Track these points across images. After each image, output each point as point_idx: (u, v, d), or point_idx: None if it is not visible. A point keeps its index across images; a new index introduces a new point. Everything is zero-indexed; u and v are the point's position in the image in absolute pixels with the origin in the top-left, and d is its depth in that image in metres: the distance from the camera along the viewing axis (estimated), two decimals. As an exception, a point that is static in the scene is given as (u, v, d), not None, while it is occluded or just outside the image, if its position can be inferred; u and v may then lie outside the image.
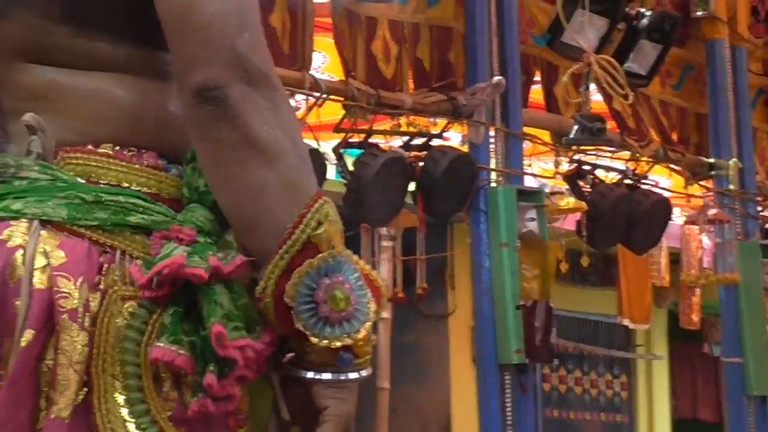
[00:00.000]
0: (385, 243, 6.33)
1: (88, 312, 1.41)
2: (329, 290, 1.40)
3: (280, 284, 1.41)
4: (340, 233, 1.45)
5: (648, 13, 5.79)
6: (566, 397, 10.44)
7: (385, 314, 6.53)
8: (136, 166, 1.51)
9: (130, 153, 1.52)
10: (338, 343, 1.42)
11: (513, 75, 5.58)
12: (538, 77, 5.87)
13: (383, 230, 6.26)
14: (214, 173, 1.46)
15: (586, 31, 5.43)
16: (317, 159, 4.83)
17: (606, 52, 5.60)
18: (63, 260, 1.42)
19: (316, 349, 1.43)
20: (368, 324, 1.43)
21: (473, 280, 5.64)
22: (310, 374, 1.45)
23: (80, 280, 1.41)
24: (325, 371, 1.41)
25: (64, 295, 1.40)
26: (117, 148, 1.50)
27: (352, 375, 1.46)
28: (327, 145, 5.22)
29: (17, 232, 1.43)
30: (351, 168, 5.12)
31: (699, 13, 6.33)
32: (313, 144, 4.86)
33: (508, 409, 5.14)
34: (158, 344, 1.39)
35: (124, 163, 1.50)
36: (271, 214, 1.43)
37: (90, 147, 1.50)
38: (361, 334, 1.43)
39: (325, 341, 1.41)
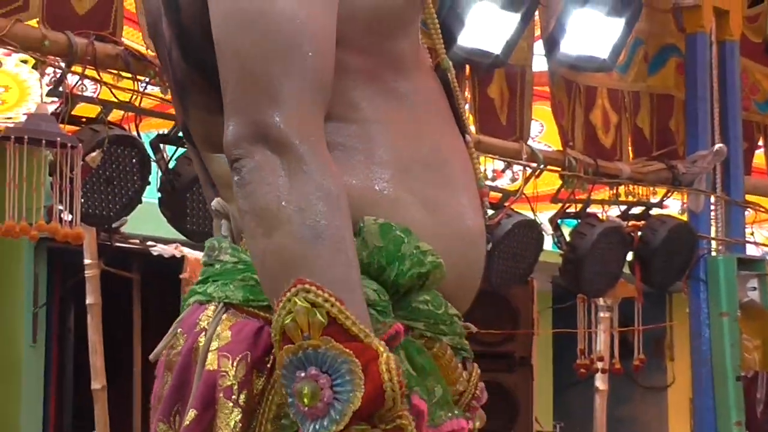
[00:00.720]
0: (602, 314, 6.27)
1: (245, 389, 1.43)
2: (298, 385, 1.32)
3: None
4: (318, 324, 1.34)
5: None
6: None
7: (602, 386, 6.45)
8: None
9: None
10: None
11: (735, 142, 5.48)
12: (761, 143, 5.73)
13: (600, 301, 6.18)
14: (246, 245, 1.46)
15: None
16: (534, 229, 4.84)
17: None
18: (227, 340, 1.46)
19: None
20: (342, 423, 1.30)
21: (692, 351, 5.54)
22: None
23: (238, 358, 1.44)
24: None
25: (222, 374, 1.44)
26: None
27: None
28: (544, 216, 5.21)
29: (204, 316, 1.49)
30: (568, 238, 5.09)
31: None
32: (530, 215, 4.89)
33: (729, 482, 4.99)
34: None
35: None
36: (270, 288, 1.39)
37: None
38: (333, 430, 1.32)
39: None
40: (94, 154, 3.49)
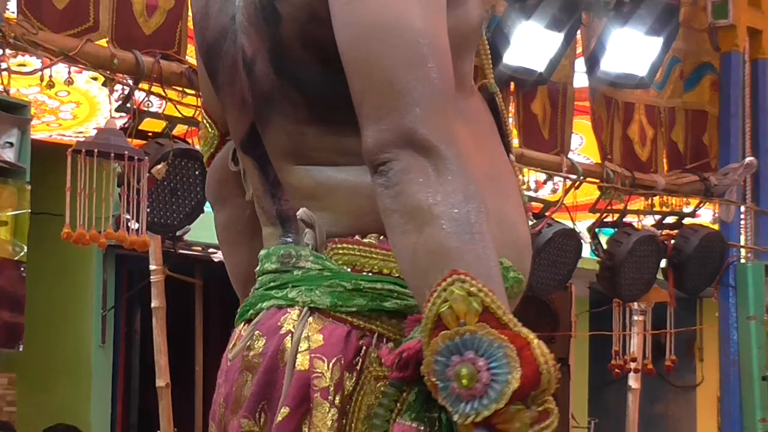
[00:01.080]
0: (636, 317, 6.29)
1: (340, 390, 1.45)
2: (456, 367, 1.33)
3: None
4: (474, 311, 1.35)
5: None
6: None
7: (635, 385, 6.48)
8: (391, 252, 1.54)
9: (383, 243, 1.54)
10: (468, 420, 1.33)
11: (765, 156, 5.52)
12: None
13: (635, 305, 6.18)
14: (390, 242, 1.46)
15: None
16: (573, 238, 4.88)
17: None
18: (321, 343, 1.47)
19: (458, 425, 1.36)
20: (502, 401, 1.31)
21: (721, 353, 5.59)
22: None
23: (333, 361, 1.46)
24: None
25: (317, 375, 1.46)
26: (381, 237, 1.50)
27: None
28: (582, 225, 5.22)
29: (289, 319, 1.50)
30: (605, 246, 5.10)
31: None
32: (569, 224, 4.92)
33: (753, 477, 5.06)
34: (399, 421, 1.42)
35: (384, 252, 1.51)
36: (420, 280, 1.39)
37: (357, 237, 1.52)
38: (490, 411, 1.32)
39: (459, 418, 1.33)
40: (159, 166, 3.53)
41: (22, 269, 3.34)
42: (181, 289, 6.41)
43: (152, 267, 4.69)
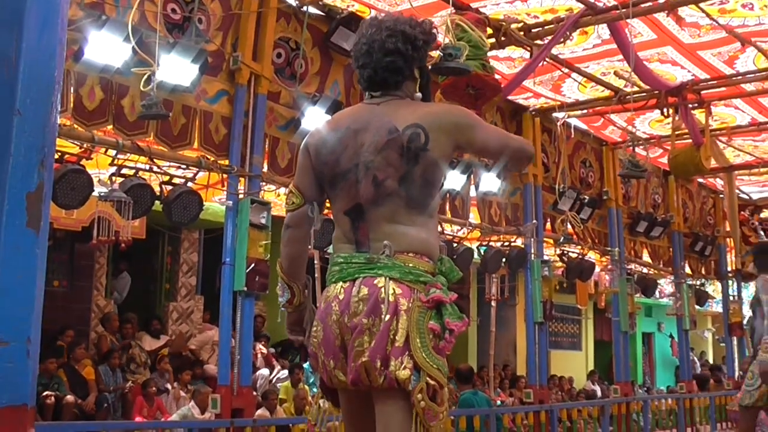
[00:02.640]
0: None
1: (407, 310, 2.88)
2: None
3: None
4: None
5: None
6: None
7: None
8: (423, 260, 3.01)
9: (420, 256, 3.02)
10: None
11: None
12: None
13: None
14: None
15: None
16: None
17: None
18: (400, 291, 2.91)
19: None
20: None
21: None
22: None
23: (408, 298, 2.90)
24: None
25: (402, 304, 2.90)
26: (418, 254, 2.99)
27: None
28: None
29: (379, 282, 2.93)
30: None
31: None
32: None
33: None
34: (431, 322, 2.90)
35: (417, 259, 2.99)
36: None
37: (408, 253, 2.98)
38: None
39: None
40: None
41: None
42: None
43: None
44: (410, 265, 2.93)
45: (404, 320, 2.88)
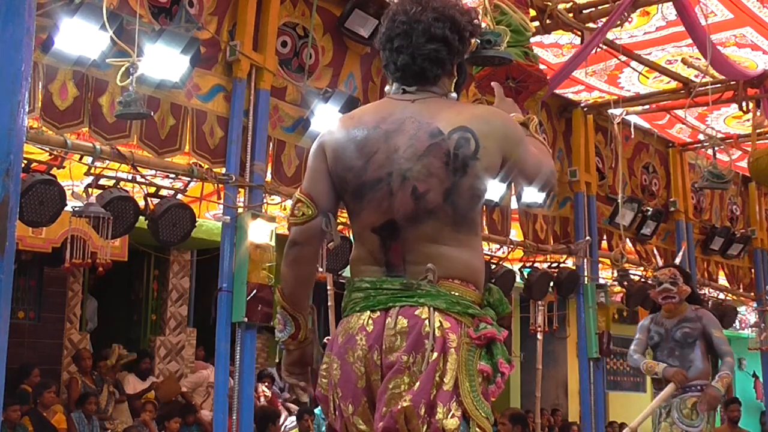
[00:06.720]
0: None
1: (456, 348, 2.90)
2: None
3: None
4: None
5: None
6: None
7: None
8: (470, 289, 3.02)
9: (466, 283, 3.03)
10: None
11: None
12: None
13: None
14: None
15: None
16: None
17: None
18: (448, 326, 2.92)
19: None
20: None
21: None
22: None
23: (457, 333, 2.92)
24: None
25: (450, 340, 2.91)
26: (463, 281, 3.01)
27: None
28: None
29: (423, 312, 2.93)
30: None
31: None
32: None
33: None
34: (481, 363, 2.94)
35: (463, 287, 3.00)
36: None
37: (454, 280, 2.99)
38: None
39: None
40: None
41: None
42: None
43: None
44: (456, 294, 2.94)
45: (453, 359, 2.88)
